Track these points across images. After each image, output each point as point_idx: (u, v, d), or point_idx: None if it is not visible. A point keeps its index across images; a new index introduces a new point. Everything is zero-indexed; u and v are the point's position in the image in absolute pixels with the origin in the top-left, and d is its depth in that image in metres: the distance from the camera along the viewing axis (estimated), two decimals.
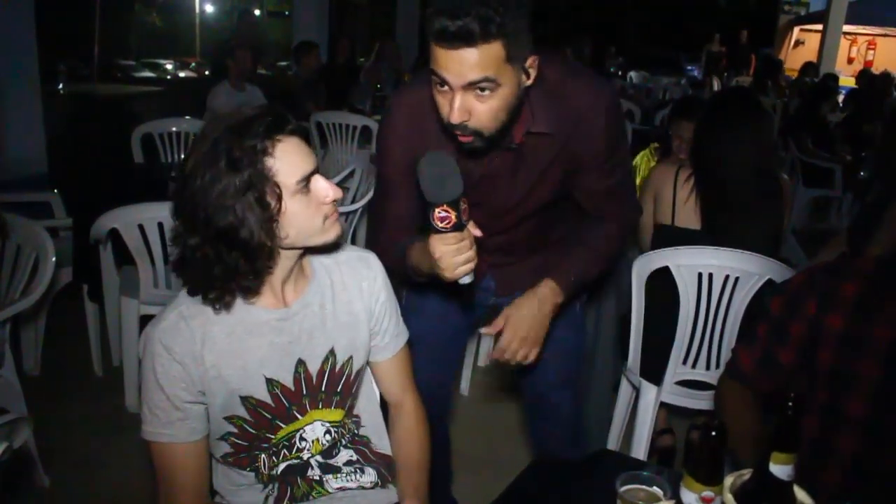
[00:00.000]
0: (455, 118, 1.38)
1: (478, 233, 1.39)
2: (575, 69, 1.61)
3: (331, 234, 1.32)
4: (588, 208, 1.74)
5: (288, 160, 1.22)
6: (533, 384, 1.96)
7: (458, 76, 1.34)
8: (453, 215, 1.32)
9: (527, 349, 1.62)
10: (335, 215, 1.31)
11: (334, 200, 1.29)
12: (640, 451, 2.38)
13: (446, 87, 1.37)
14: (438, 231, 1.34)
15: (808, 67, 10.22)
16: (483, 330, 1.66)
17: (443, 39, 1.31)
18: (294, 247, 1.30)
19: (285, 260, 1.32)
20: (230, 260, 1.22)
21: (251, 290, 1.29)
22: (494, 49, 1.32)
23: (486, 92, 1.36)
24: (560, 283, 1.65)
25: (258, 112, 1.23)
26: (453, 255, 1.37)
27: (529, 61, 1.40)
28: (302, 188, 1.24)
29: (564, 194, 1.71)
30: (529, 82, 1.43)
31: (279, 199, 1.22)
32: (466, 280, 1.41)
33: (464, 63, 1.33)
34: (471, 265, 1.39)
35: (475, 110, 1.38)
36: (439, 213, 1.32)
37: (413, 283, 1.90)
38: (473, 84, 1.34)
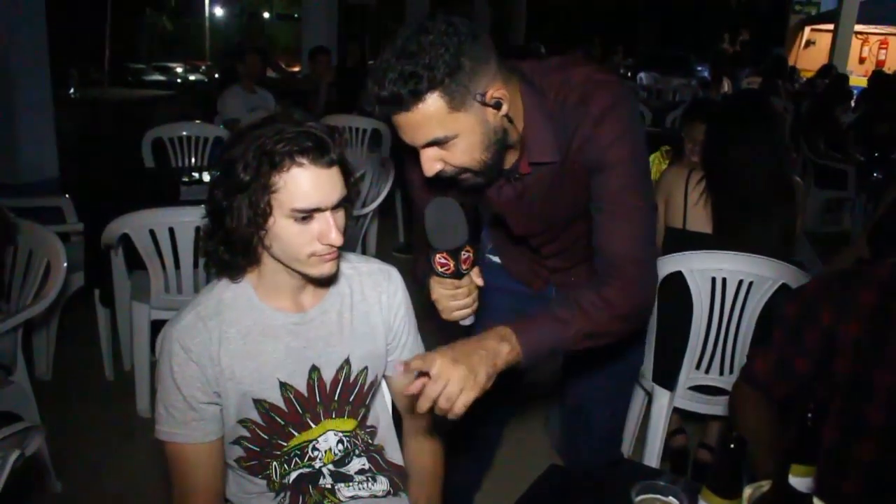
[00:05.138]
0: (427, 172, 1.32)
1: (479, 282, 1.38)
2: (580, 78, 1.37)
3: (314, 271, 1.28)
4: (596, 247, 1.43)
5: (296, 185, 1.20)
6: (575, 394, 1.92)
7: (409, 140, 1.29)
8: (452, 264, 1.32)
9: (454, 407, 1.18)
10: (328, 257, 1.27)
11: (331, 245, 1.25)
12: (653, 457, 2.36)
13: None
14: (438, 274, 1.34)
15: (825, 70, 10.16)
16: (396, 364, 1.38)
17: (379, 106, 1.25)
18: (280, 261, 1.29)
19: (285, 266, 1.31)
20: (216, 239, 1.26)
21: (234, 273, 1.32)
22: (432, 105, 1.22)
23: (446, 144, 1.28)
24: (522, 336, 1.28)
25: (306, 130, 1.21)
26: (448, 299, 1.37)
27: (491, 92, 1.26)
28: (297, 217, 1.22)
29: None
30: (505, 111, 1.30)
31: (269, 213, 1.21)
32: (466, 322, 1.42)
33: (408, 127, 1.26)
34: (467, 311, 1.39)
35: (445, 158, 1.31)
36: (439, 259, 1.32)
37: (486, 287, 1.89)
38: (428, 144, 1.29)
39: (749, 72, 9.94)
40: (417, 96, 1.21)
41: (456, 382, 1.15)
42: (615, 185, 1.37)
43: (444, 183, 1.37)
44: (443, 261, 1.32)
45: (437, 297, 1.38)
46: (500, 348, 1.24)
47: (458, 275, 1.33)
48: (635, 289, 1.39)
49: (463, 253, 1.32)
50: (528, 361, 1.29)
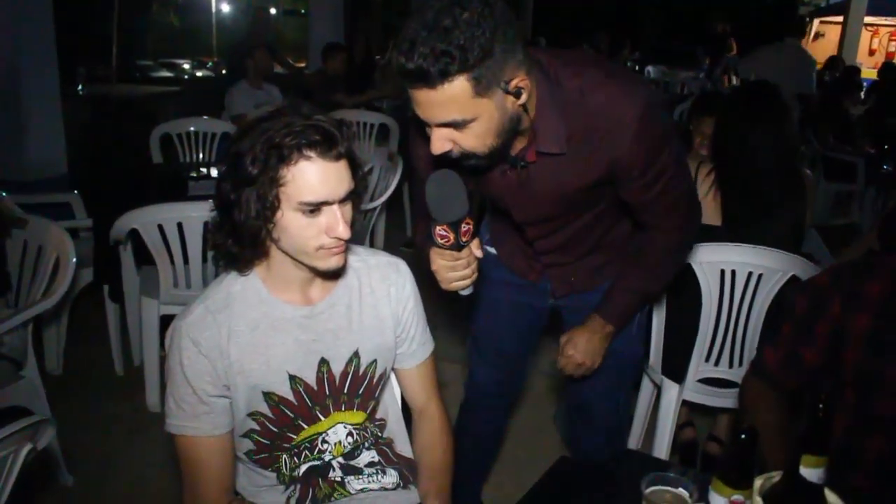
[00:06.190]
0: (435, 151, 1.32)
1: (479, 253, 1.38)
2: (599, 78, 1.39)
3: (322, 264, 1.28)
4: (640, 220, 1.62)
5: (304, 178, 1.20)
6: (579, 390, 1.93)
7: (426, 116, 1.28)
8: (452, 236, 1.33)
9: (583, 371, 1.75)
10: (335, 250, 1.27)
11: (339, 238, 1.25)
12: (662, 449, 2.36)
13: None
14: (437, 245, 1.35)
15: (831, 61, 10.07)
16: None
17: (402, 77, 1.22)
18: (288, 254, 1.29)
19: (293, 259, 1.31)
20: (224, 232, 1.26)
21: (242, 266, 1.32)
22: (458, 87, 1.20)
23: (462, 126, 1.28)
24: (606, 316, 1.70)
25: (314, 123, 1.21)
26: (448, 270, 1.38)
27: (516, 82, 1.26)
28: (305, 210, 1.21)
29: (605, 199, 1.59)
30: (524, 100, 1.30)
31: (277, 206, 1.21)
32: (465, 293, 1.43)
33: (428, 104, 1.25)
34: (466, 282, 1.40)
35: (457, 139, 1.31)
36: (439, 231, 1.33)
37: (484, 280, 1.91)
38: (443, 124, 1.28)
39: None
40: (445, 76, 1.19)
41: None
42: (650, 167, 1.45)
43: (449, 161, 1.37)
44: (443, 233, 1.33)
45: (437, 268, 1.39)
46: (598, 326, 1.70)
47: (457, 246, 1.34)
48: (686, 235, 1.67)
49: (463, 225, 1.32)
50: (617, 326, 1.72)
